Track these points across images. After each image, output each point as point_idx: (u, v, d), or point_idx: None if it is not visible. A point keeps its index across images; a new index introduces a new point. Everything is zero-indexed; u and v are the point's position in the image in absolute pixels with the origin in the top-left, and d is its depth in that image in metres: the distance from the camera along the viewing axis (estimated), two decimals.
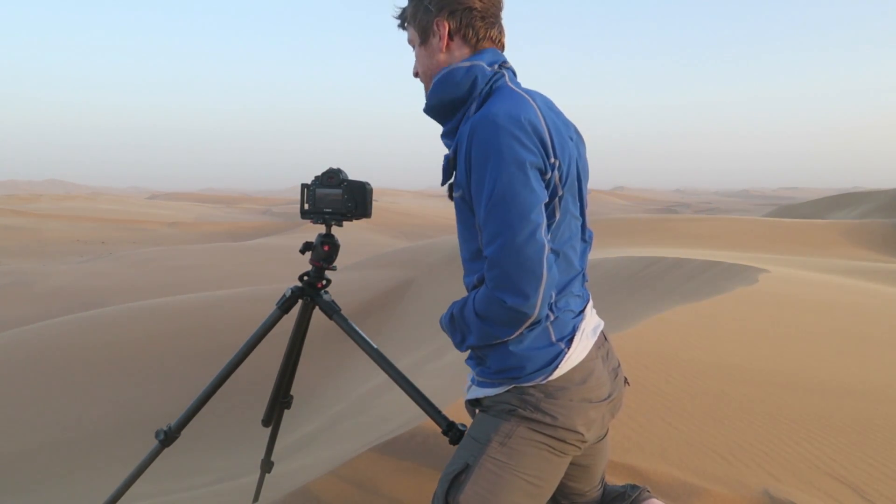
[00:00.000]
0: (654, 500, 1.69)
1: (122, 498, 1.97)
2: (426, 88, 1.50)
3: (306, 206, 1.82)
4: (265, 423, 2.15)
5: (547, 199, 1.29)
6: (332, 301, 1.89)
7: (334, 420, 4.37)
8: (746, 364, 3.36)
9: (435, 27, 1.42)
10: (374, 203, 1.84)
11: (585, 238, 1.50)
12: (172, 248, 23.07)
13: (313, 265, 1.87)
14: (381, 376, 4.13)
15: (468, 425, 1.75)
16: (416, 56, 1.50)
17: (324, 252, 1.84)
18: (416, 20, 1.46)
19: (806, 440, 2.44)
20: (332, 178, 1.79)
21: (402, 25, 1.54)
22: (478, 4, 1.42)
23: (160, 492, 3.89)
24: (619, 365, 1.55)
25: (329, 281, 1.90)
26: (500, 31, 1.48)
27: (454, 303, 1.44)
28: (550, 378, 1.35)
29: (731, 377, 3.10)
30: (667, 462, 2.15)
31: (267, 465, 2.28)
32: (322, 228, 1.85)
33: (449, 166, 1.40)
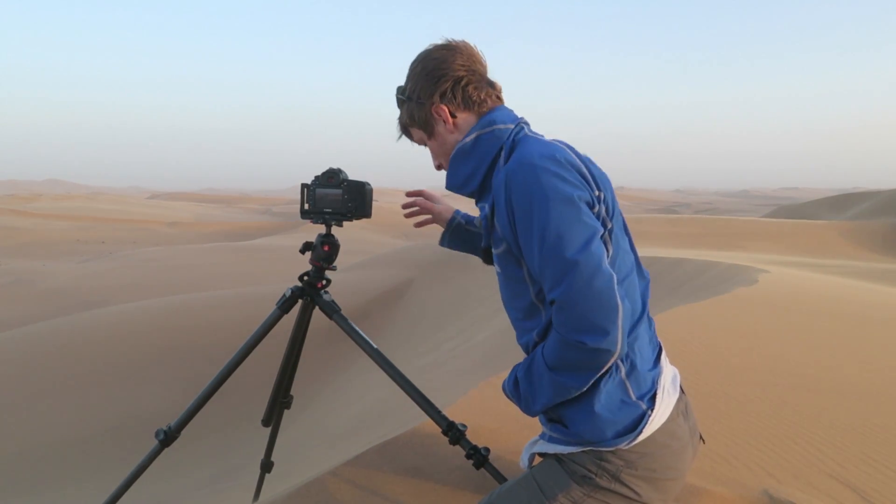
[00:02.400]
0: None
1: (122, 498, 1.97)
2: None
3: (306, 206, 1.81)
4: (265, 423, 2.16)
5: (602, 231, 1.23)
6: (332, 301, 1.89)
7: (334, 420, 4.37)
8: (746, 364, 3.36)
9: (435, 115, 1.42)
10: (374, 203, 1.84)
11: (644, 275, 1.41)
12: (172, 248, 23.07)
13: (313, 265, 1.87)
14: (381, 376, 4.13)
15: (465, 425, 1.75)
16: (431, 151, 1.50)
17: (324, 252, 1.84)
18: (415, 119, 1.45)
19: (806, 440, 2.44)
20: (332, 178, 1.79)
21: (405, 133, 1.53)
22: (462, 72, 1.40)
23: (160, 492, 3.89)
24: (695, 422, 1.43)
25: (329, 281, 1.90)
26: (496, 87, 1.45)
27: (516, 366, 1.37)
28: (633, 444, 1.26)
29: (731, 377, 3.10)
30: None
31: (267, 465, 2.28)
32: (322, 228, 1.85)
33: (489, 224, 1.34)
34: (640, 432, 1.26)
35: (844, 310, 5.43)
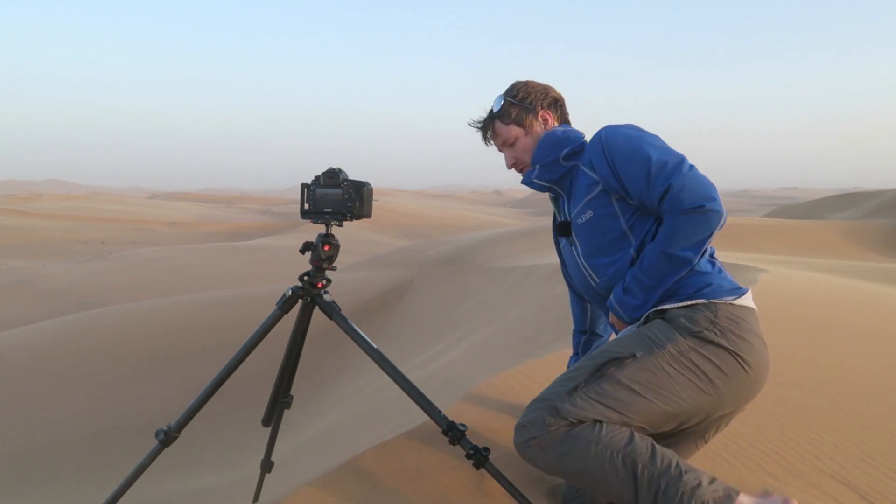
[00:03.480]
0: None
1: (122, 498, 1.97)
2: (529, 167, 1.90)
3: (306, 206, 1.82)
4: (265, 423, 2.16)
5: None
6: (332, 301, 1.89)
7: (334, 420, 4.36)
8: None
9: (540, 118, 1.89)
10: (374, 203, 1.84)
11: None
12: (172, 248, 23.07)
13: (313, 265, 1.87)
14: (381, 376, 4.12)
15: (465, 425, 1.75)
16: (521, 147, 1.89)
17: (324, 252, 1.84)
18: (520, 119, 1.88)
19: (806, 440, 2.44)
20: (332, 178, 1.80)
21: (490, 130, 1.95)
22: (557, 95, 1.94)
23: (160, 492, 3.89)
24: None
25: (329, 281, 1.90)
26: None
27: (616, 287, 1.67)
28: (738, 301, 1.56)
29: None
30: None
31: (267, 465, 2.28)
32: (322, 228, 1.85)
33: (588, 181, 1.72)
34: (744, 294, 1.58)
35: (844, 310, 5.43)
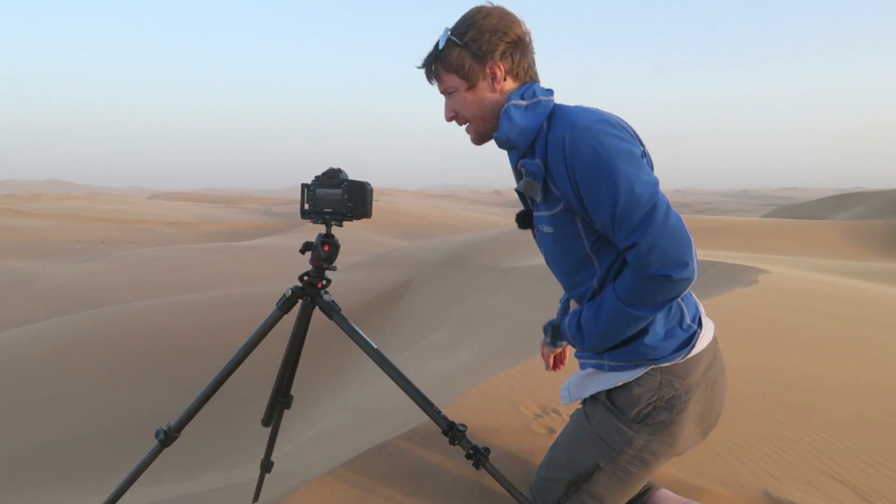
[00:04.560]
0: (664, 491, 1.71)
1: (122, 498, 1.97)
2: (475, 129, 1.54)
3: (306, 206, 1.81)
4: (265, 423, 2.15)
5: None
6: (332, 301, 1.88)
7: (334, 420, 4.37)
8: (746, 364, 3.36)
9: (488, 71, 1.47)
10: (374, 203, 1.84)
11: None
12: (172, 248, 23.06)
13: (313, 265, 1.87)
14: (381, 376, 4.12)
15: (465, 425, 1.75)
16: (460, 101, 1.52)
17: (324, 252, 1.84)
18: (462, 67, 1.48)
19: (806, 440, 2.44)
20: (332, 178, 1.79)
21: (433, 74, 1.54)
22: (520, 32, 1.47)
23: (160, 492, 3.89)
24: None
25: (329, 281, 1.90)
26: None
27: (572, 313, 1.51)
28: (688, 357, 1.44)
29: (731, 377, 3.09)
30: (666, 462, 2.15)
31: (267, 465, 2.28)
32: (322, 228, 1.85)
33: (543, 185, 1.43)
34: (693, 346, 1.44)
35: (844, 310, 5.43)
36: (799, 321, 4.62)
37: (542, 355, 1.92)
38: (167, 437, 1.92)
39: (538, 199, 1.47)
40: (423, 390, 1.79)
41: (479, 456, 1.69)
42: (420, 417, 2.23)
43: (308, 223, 1.80)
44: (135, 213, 49.13)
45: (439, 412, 1.75)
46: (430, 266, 10.55)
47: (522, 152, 1.48)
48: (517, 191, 1.53)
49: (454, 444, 1.72)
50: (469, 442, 1.71)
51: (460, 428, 1.73)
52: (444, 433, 1.72)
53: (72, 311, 11.49)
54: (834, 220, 23.38)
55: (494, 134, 1.51)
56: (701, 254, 10.29)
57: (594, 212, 1.35)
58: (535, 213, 1.53)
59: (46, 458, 5.31)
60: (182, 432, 1.94)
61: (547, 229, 1.49)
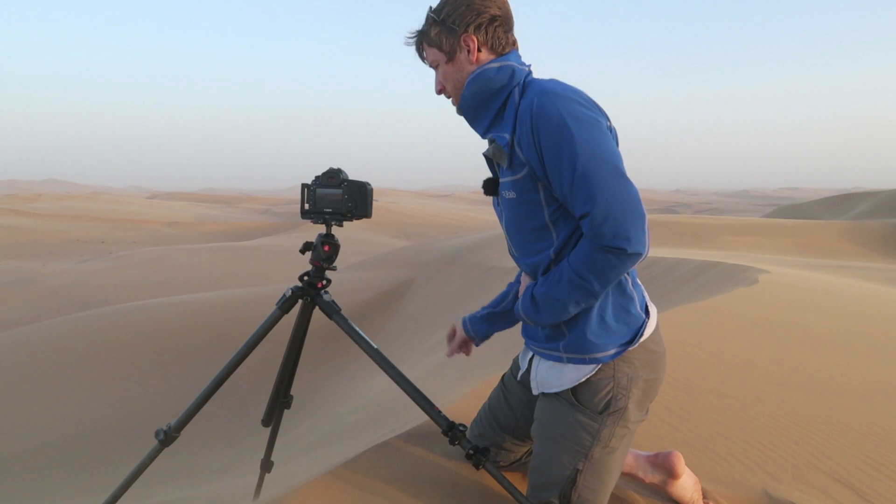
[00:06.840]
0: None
1: (122, 498, 1.97)
2: (455, 100, 1.59)
3: (306, 206, 1.81)
4: (265, 422, 2.15)
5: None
6: (332, 301, 1.88)
7: (334, 420, 4.36)
8: (746, 364, 3.36)
9: (462, 43, 1.52)
10: (374, 203, 1.84)
11: None
12: (172, 248, 23.07)
13: (313, 265, 1.87)
14: (381, 376, 4.13)
15: (465, 425, 1.75)
16: (443, 73, 1.58)
17: (324, 252, 1.84)
18: (440, 41, 1.55)
19: (806, 440, 2.44)
20: (332, 178, 1.79)
21: (419, 49, 1.62)
22: (497, 12, 1.52)
23: (160, 492, 3.89)
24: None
25: (329, 281, 1.90)
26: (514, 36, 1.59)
27: (527, 287, 1.54)
28: (635, 346, 1.50)
29: (731, 377, 3.10)
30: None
31: (267, 465, 2.28)
32: (322, 228, 1.85)
33: (510, 151, 1.45)
34: (642, 334, 1.51)
35: (844, 310, 5.43)
36: (799, 321, 4.62)
37: (453, 336, 2.00)
38: (167, 437, 1.92)
39: (504, 165, 1.50)
40: (423, 390, 1.79)
41: (479, 456, 1.69)
42: (420, 417, 2.23)
43: (308, 223, 1.80)
44: (135, 213, 49.14)
45: (439, 412, 1.75)
46: (430, 266, 10.55)
47: (490, 120, 1.52)
48: (484, 155, 1.56)
49: (454, 444, 1.73)
50: (469, 442, 1.71)
51: (460, 428, 1.73)
52: (444, 433, 1.72)
53: (72, 310, 11.49)
54: (834, 221, 23.39)
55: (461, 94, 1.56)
56: (698, 254, 10.29)
57: (554, 176, 1.38)
58: (500, 180, 1.56)
59: (46, 458, 5.31)
60: (182, 432, 1.94)
61: (510, 195, 1.51)
